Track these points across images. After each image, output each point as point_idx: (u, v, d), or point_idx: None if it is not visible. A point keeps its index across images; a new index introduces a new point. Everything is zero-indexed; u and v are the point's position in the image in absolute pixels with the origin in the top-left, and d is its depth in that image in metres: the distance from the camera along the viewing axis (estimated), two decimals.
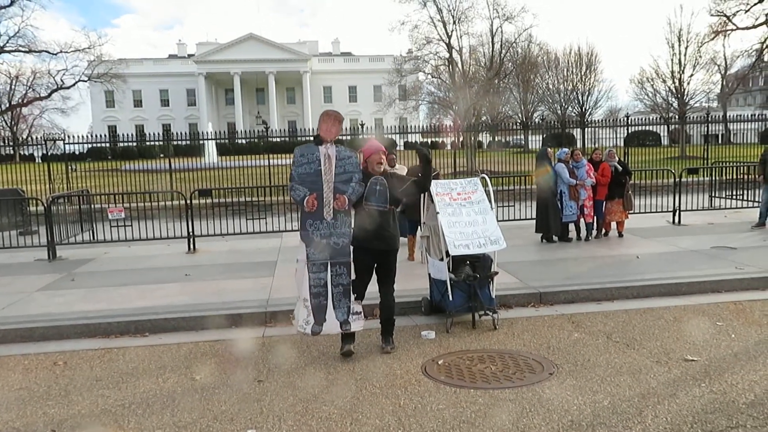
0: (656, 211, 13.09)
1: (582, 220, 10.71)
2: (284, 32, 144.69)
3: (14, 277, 9.18)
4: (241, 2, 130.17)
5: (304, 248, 5.41)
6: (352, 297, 5.48)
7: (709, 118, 22.01)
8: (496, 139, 42.03)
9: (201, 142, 28.81)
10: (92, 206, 13.07)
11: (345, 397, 4.63)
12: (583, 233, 10.82)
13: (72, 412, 4.57)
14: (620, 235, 10.92)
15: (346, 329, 5.41)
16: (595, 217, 10.87)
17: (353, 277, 5.54)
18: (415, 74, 37.88)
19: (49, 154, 19.72)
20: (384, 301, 5.69)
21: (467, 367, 5.17)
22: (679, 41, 37.84)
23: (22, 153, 38.40)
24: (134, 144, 36.60)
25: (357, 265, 5.56)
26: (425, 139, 37.95)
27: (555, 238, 10.60)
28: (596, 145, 21.03)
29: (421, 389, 4.74)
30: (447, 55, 33.09)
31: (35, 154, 34.08)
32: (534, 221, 10.97)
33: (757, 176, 12.86)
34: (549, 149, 11.10)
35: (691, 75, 38.77)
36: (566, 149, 10.96)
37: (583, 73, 51.23)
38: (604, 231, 11.08)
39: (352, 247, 5.52)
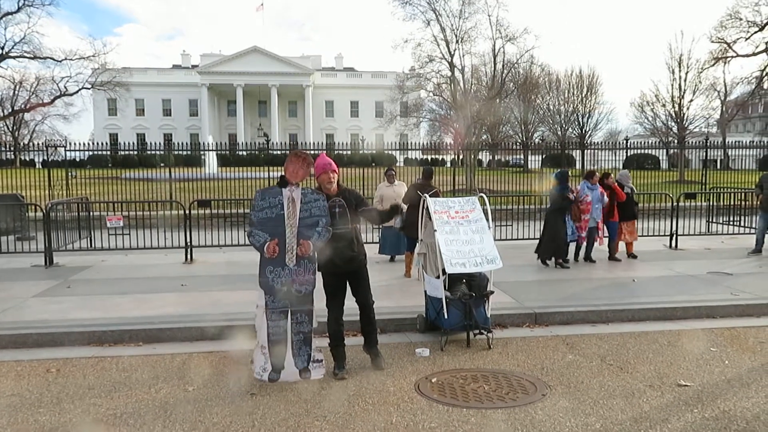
0: (653, 235, 13.13)
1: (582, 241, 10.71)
2: (286, 46, 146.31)
3: (10, 282, 9.17)
4: (242, 15, 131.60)
5: (262, 294, 5.15)
6: (314, 345, 5.28)
7: (708, 144, 22.13)
8: (496, 158, 42.22)
9: (202, 152, 28.92)
10: (91, 213, 13.09)
11: (337, 413, 4.62)
12: (582, 254, 10.80)
13: (63, 420, 4.55)
14: (628, 256, 10.95)
15: (305, 377, 5.20)
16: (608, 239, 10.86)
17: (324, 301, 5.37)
18: (417, 91, 38.14)
19: (49, 160, 19.75)
20: (364, 316, 5.63)
21: (460, 386, 5.16)
22: (680, 66, 38.19)
23: (22, 158, 38.48)
24: (135, 153, 36.76)
25: (328, 289, 5.43)
26: (425, 156, 38.11)
27: (547, 262, 10.39)
28: (595, 167, 21.13)
29: (414, 407, 4.74)
30: (449, 74, 33.34)
31: (36, 159, 34.20)
32: (528, 241, 11.02)
33: (755, 202, 12.93)
34: (568, 172, 11.00)
35: (691, 100, 39.10)
36: (566, 171, 11.06)
37: (583, 95, 51.70)
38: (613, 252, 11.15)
39: (320, 273, 5.29)
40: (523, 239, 12.81)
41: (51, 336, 6.47)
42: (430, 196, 7.10)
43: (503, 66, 34.84)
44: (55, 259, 10.75)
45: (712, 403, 4.78)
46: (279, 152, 23.29)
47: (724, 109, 46.91)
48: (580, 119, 51.57)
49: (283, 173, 5.06)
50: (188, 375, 5.51)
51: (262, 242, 4.96)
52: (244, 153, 29.44)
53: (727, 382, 5.24)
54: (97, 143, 24.32)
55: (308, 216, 5.03)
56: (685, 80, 38.34)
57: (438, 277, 6.42)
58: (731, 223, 14.71)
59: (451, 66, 32.83)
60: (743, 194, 15.54)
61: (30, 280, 9.29)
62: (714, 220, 14.97)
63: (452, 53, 32.68)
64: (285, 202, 5.01)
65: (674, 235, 12.45)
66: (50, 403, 4.88)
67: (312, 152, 22.49)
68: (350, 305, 5.66)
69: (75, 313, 7.26)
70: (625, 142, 22.30)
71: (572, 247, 10.69)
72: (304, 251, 4.96)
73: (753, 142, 24.50)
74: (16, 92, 49.24)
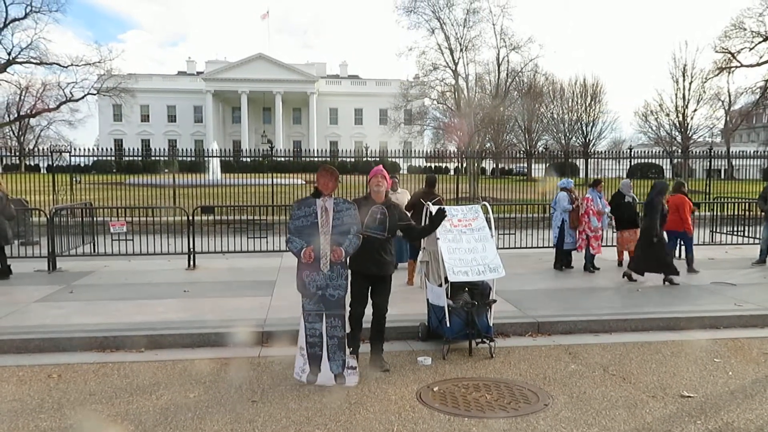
0: None
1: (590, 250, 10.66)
2: (288, 52, 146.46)
3: (13, 287, 9.19)
4: (245, 21, 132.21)
5: (301, 298, 5.54)
6: (348, 350, 5.56)
7: (712, 153, 22.09)
8: (500, 166, 42.20)
9: (206, 159, 29.02)
10: (94, 219, 13.12)
11: (338, 421, 4.60)
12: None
13: (64, 425, 4.54)
14: (621, 264, 10.95)
15: (340, 383, 5.42)
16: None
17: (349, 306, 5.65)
18: (421, 99, 38.23)
19: (54, 165, 19.82)
20: (375, 321, 5.91)
21: (462, 395, 5.14)
22: (684, 76, 38.31)
23: (27, 163, 38.65)
24: (139, 158, 36.88)
25: (353, 288, 5.72)
26: (429, 164, 38.12)
27: (635, 277, 9.73)
28: (599, 176, 21.15)
29: (415, 416, 4.72)
30: (453, 82, 33.47)
31: (41, 164, 34.30)
32: (531, 249, 10.93)
33: (758, 212, 12.88)
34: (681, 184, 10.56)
35: (695, 110, 39.21)
36: (570, 180, 11.05)
37: (587, 104, 51.74)
38: (618, 260, 11.13)
39: (349, 272, 5.58)
40: (526, 248, 12.78)
41: (53, 341, 6.47)
42: (433, 204, 7.09)
43: (507, 74, 35.01)
44: (58, 264, 10.76)
45: (716, 414, 4.74)
46: (283, 159, 23.33)
47: (728, 118, 46.85)
48: (584, 128, 51.60)
49: (315, 185, 5.49)
50: (190, 381, 5.50)
51: (299, 248, 5.33)
52: (248, 160, 29.52)
53: (731, 394, 5.21)
54: (102, 149, 24.40)
55: (341, 224, 5.40)
56: (689, 90, 38.47)
57: (440, 285, 6.40)
58: (735, 233, 14.65)
59: (455, 74, 32.96)
60: (747, 204, 15.47)
61: (33, 285, 9.30)
62: (718, 230, 14.91)
63: (456, 61, 32.83)
64: (318, 212, 5.40)
65: (677, 245, 12.39)
66: (51, 408, 4.87)
67: (315, 159, 22.47)
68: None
69: (77, 318, 7.26)
70: (628, 151, 22.27)
71: (573, 254, 10.69)
72: (337, 257, 5.32)
73: (757, 152, 24.44)
74: (22, 97, 49.48)
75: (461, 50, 32.70)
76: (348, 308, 5.67)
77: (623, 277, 9.89)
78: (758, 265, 11.33)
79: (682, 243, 11.04)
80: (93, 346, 6.45)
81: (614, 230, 11.38)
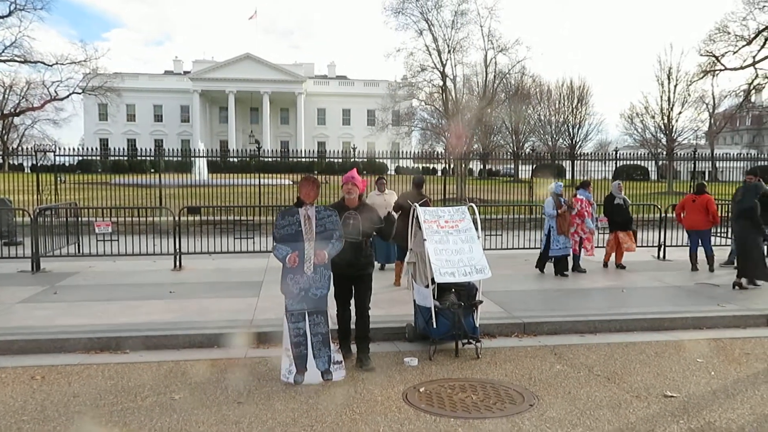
0: (642, 246, 13.18)
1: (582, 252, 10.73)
2: (275, 53, 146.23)
3: None
4: (231, 21, 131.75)
5: (284, 299, 5.68)
6: (333, 347, 5.69)
7: (697, 156, 22.36)
8: (487, 167, 42.36)
9: (192, 159, 28.85)
10: (79, 219, 12.99)
11: (324, 422, 4.60)
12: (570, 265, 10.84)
13: (47, 428, 4.50)
14: (617, 266, 11.10)
15: (327, 379, 5.54)
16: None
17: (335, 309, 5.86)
18: (409, 100, 38.25)
19: (38, 164, 19.61)
20: (359, 320, 6.04)
21: (448, 396, 5.16)
22: (669, 79, 38.60)
23: (11, 162, 38.21)
24: (125, 158, 36.56)
25: (336, 290, 5.95)
26: (416, 165, 38.20)
27: (747, 285, 9.29)
28: (586, 177, 21.30)
29: (401, 417, 4.73)
30: (441, 83, 33.48)
31: (25, 164, 33.97)
32: (517, 251, 10.91)
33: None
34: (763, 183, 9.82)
35: (680, 112, 39.50)
36: (560, 183, 11.09)
37: (574, 106, 52.06)
38: (604, 262, 11.23)
39: (331, 274, 5.76)
40: (512, 249, 12.84)
41: (36, 342, 6.41)
42: (420, 205, 7.11)
43: (495, 76, 35.04)
44: (42, 265, 10.65)
45: (698, 414, 4.80)
46: (270, 159, 23.23)
47: (712, 121, 47.39)
48: (571, 130, 51.93)
49: (298, 196, 5.70)
50: (175, 383, 5.47)
51: (284, 254, 5.56)
52: (235, 160, 29.39)
53: (713, 393, 5.27)
54: (87, 148, 24.18)
55: (323, 230, 5.64)
56: (674, 92, 38.78)
57: (427, 286, 6.42)
58: (718, 234, 14.79)
59: (443, 75, 32.98)
60: (729, 206, 15.64)
61: (16, 286, 9.20)
62: None
63: (444, 63, 32.83)
64: (302, 220, 5.62)
65: (662, 246, 12.53)
66: (34, 410, 4.82)
67: (303, 160, 22.41)
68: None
69: (61, 319, 7.20)
70: (614, 153, 22.47)
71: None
72: (320, 260, 5.55)
73: (740, 154, 24.75)
74: (6, 96, 48.93)
75: (449, 52, 32.71)
76: (334, 308, 5.79)
77: (734, 287, 9.28)
78: (726, 267, 11.27)
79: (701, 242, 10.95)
80: (77, 348, 6.39)
81: (601, 232, 11.47)
